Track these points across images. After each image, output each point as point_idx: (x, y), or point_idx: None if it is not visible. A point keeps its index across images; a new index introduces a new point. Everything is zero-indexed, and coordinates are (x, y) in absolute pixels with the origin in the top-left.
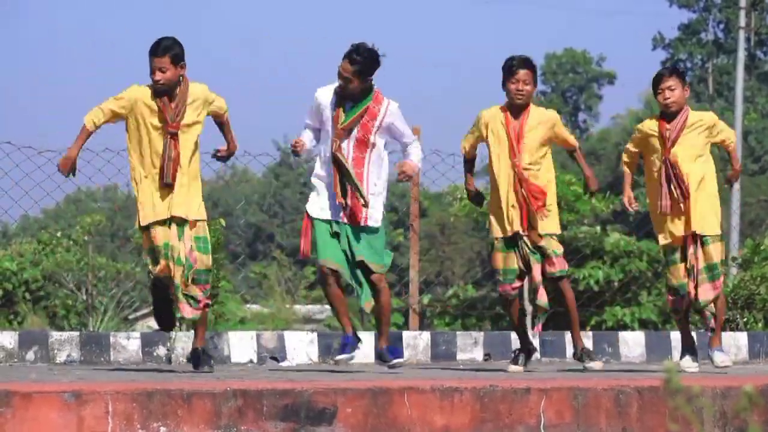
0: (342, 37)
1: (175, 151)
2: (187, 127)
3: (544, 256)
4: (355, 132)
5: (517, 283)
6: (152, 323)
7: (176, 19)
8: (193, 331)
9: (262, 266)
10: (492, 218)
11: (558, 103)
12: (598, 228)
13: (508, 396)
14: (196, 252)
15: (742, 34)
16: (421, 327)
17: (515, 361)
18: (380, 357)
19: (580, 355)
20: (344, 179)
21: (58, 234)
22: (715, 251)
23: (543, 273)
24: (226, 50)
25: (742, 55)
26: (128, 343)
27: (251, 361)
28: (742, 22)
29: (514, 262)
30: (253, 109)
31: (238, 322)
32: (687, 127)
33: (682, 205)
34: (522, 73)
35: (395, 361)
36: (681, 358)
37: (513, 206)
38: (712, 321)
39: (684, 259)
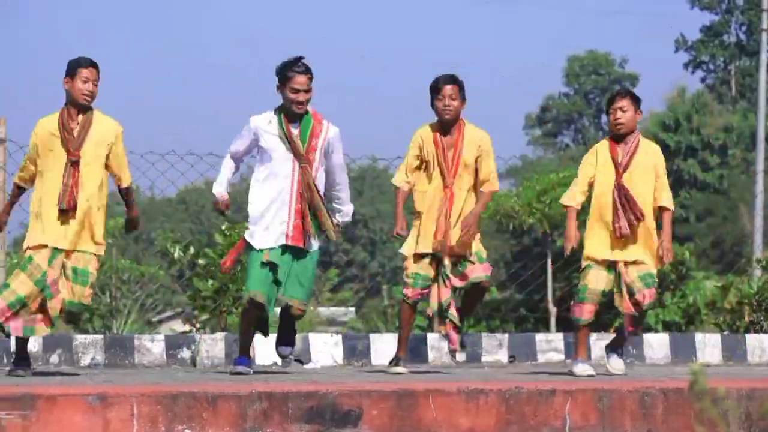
0: (344, 37)
1: (73, 179)
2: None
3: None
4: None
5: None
6: (176, 326)
7: (180, 18)
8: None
9: None
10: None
11: (581, 105)
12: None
13: (534, 398)
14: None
15: (764, 36)
16: None
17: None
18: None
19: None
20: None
21: None
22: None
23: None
24: (236, 51)
25: (764, 57)
26: (152, 346)
27: (275, 364)
28: (765, 24)
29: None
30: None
31: None
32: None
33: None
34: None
35: (287, 352)
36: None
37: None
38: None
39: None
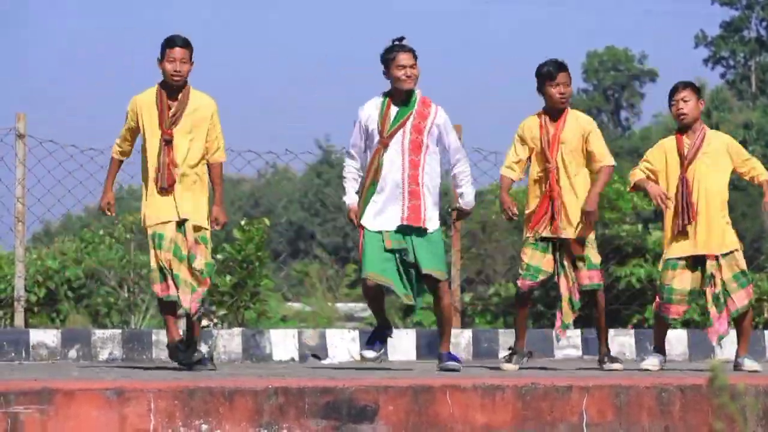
0: (377, 38)
1: (168, 158)
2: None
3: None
4: (408, 135)
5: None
6: None
7: (183, 16)
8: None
9: (304, 264)
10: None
11: (600, 101)
12: (640, 226)
13: (550, 394)
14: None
15: None
16: (463, 325)
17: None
18: (439, 359)
19: (602, 358)
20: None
21: (101, 232)
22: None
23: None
24: (242, 46)
25: None
26: None
27: (293, 359)
28: None
29: (542, 262)
30: (294, 107)
31: (280, 320)
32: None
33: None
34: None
35: (448, 363)
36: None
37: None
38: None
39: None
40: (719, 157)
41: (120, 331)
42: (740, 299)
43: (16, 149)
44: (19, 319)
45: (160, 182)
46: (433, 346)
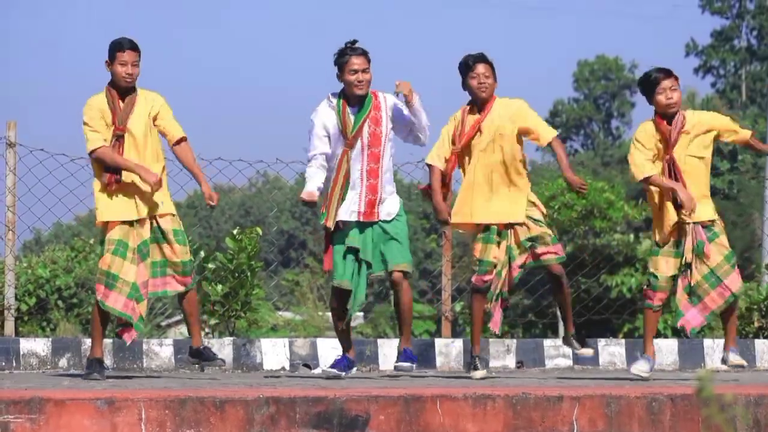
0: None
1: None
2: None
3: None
4: (368, 128)
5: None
6: (184, 330)
7: (187, 25)
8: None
9: (295, 273)
10: None
11: (590, 110)
12: (631, 235)
13: (541, 403)
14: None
15: None
16: (454, 334)
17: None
18: (398, 356)
19: (570, 339)
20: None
21: (91, 241)
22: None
23: (538, 257)
24: (243, 57)
25: None
26: (161, 350)
27: (283, 368)
28: None
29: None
30: (283, 117)
31: (271, 329)
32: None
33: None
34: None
35: (402, 364)
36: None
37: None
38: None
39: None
40: (700, 130)
41: (111, 340)
42: (734, 282)
43: (7, 158)
44: (9, 328)
45: (116, 178)
46: (425, 355)
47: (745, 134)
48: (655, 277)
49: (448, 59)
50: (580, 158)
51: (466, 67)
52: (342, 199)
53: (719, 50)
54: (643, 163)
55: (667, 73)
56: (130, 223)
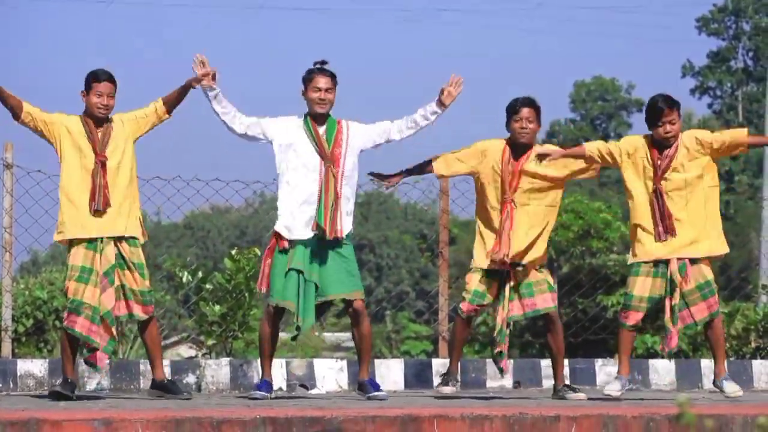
0: (343, 58)
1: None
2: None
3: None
4: (333, 148)
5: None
6: (182, 350)
7: (184, 39)
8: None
9: None
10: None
11: (587, 131)
12: (628, 255)
13: (538, 423)
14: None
15: None
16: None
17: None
18: (360, 388)
19: (561, 391)
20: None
21: None
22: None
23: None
24: (240, 75)
25: None
26: None
27: (280, 389)
28: None
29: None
30: None
31: None
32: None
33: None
34: (525, 111)
35: (376, 393)
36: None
37: None
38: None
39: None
40: (692, 155)
41: (108, 361)
42: (699, 312)
43: (4, 179)
44: (6, 349)
45: (95, 205)
46: (422, 376)
47: (738, 136)
48: (630, 296)
49: (440, 79)
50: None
51: (513, 109)
52: (331, 211)
53: (716, 71)
54: (597, 145)
55: (672, 105)
56: (94, 247)
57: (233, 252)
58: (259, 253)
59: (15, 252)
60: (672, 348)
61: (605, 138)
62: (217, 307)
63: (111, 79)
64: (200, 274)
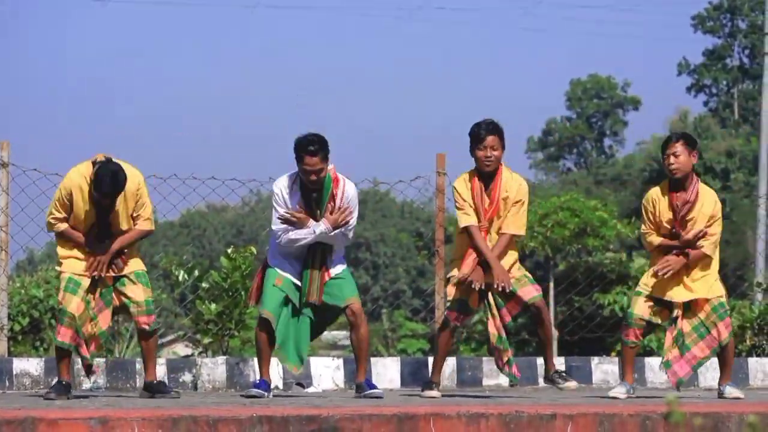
0: (349, 68)
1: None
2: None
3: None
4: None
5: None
6: (178, 349)
7: (183, 42)
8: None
9: None
10: None
11: (583, 129)
12: (624, 253)
13: (534, 422)
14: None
15: (767, 60)
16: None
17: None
18: (358, 390)
19: (552, 377)
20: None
21: None
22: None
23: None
24: (237, 75)
25: (767, 80)
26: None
27: (277, 387)
28: None
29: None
30: (276, 137)
31: None
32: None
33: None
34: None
35: (374, 391)
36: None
37: None
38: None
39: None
40: (707, 216)
41: (104, 359)
42: (721, 332)
43: (0, 177)
44: (2, 348)
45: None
46: (418, 374)
47: (700, 251)
48: (631, 314)
49: (436, 79)
50: (573, 177)
51: (476, 137)
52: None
53: (711, 69)
54: (648, 233)
55: (678, 138)
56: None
57: (229, 250)
58: (255, 252)
59: (11, 250)
60: (680, 378)
61: (601, 135)
62: (213, 306)
63: (118, 189)
64: (196, 272)
